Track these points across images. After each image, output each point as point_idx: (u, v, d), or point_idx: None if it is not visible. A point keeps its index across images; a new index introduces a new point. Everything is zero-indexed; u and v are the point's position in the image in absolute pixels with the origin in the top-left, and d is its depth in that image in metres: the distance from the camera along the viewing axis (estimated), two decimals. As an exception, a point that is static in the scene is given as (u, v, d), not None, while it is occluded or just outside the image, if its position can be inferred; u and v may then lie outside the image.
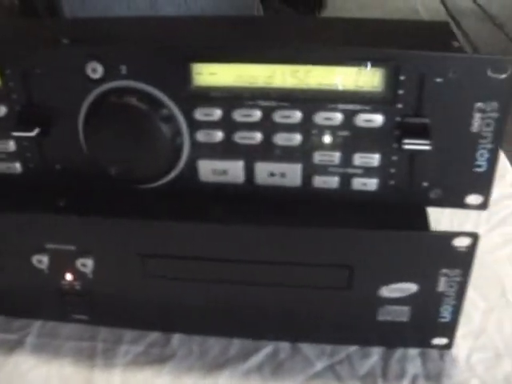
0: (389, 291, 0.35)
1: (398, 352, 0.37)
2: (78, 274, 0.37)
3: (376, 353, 0.37)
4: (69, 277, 0.38)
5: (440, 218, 0.47)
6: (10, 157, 0.36)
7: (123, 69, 0.32)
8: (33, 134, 0.34)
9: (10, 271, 0.38)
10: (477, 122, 0.31)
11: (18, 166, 0.37)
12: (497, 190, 0.51)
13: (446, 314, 0.35)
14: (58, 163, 0.36)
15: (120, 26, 0.37)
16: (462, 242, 0.33)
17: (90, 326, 0.40)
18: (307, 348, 0.37)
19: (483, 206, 0.34)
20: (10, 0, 1.24)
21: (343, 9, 1.57)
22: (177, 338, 0.39)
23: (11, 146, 0.36)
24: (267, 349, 0.38)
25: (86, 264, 0.36)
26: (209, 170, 0.34)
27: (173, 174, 0.35)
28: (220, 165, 0.34)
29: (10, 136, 0.35)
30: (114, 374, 0.37)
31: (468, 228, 0.47)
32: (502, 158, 0.56)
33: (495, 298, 0.41)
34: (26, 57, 0.33)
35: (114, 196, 0.36)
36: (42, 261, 0.37)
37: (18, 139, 0.36)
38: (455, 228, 0.48)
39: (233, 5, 1.11)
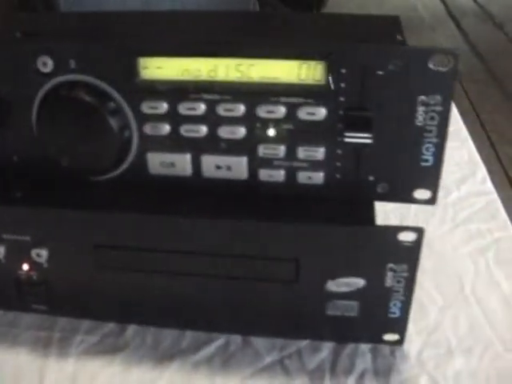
0: (336, 285, 0.35)
1: (349, 347, 0.37)
2: (34, 265, 0.38)
3: (327, 348, 0.37)
4: (25, 267, 0.38)
5: (405, 214, 0.47)
6: (-31, 148, 0.37)
7: (72, 63, 0.32)
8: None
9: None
10: (421, 116, 0.31)
11: (-23, 158, 0.37)
12: (465, 187, 0.52)
13: (395, 309, 0.35)
14: (15, 155, 0.37)
15: (76, 20, 0.38)
16: (407, 237, 0.33)
17: (50, 316, 0.40)
18: (259, 341, 0.38)
19: (432, 201, 0.34)
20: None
21: (342, 7, 1.57)
22: (132, 329, 0.39)
23: (-31, 137, 0.37)
24: (219, 341, 0.38)
25: (41, 254, 0.37)
26: (157, 162, 0.35)
27: (124, 167, 0.35)
28: (168, 157, 0.34)
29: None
30: (66, 364, 0.37)
31: (433, 224, 0.47)
32: (475, 154, 0.56)
33: (453, 294, 0.41)
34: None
35: (70, 188, 0.36)
36: (-2, 251, 0.37)
37: (-25, 131, 0.36)
38: (420, 225, 0.49)
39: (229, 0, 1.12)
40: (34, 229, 0.36)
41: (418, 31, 1.77)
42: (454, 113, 0.63)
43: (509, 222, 0.47)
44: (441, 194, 0.52)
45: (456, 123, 0.60)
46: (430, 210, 0.48)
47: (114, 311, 0.39)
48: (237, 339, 0.38)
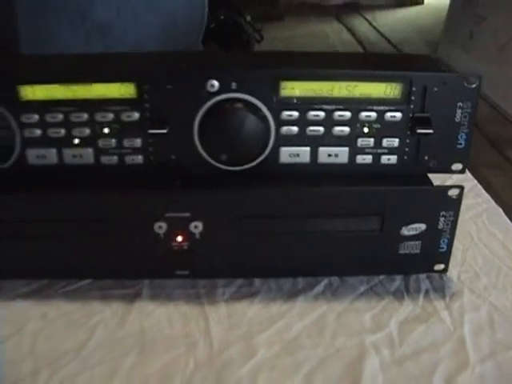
0: (407, 230, 0.51)
1: (413, 277, 0.54)
2: (189, 236, 0.51)
3: (398, 279, 0.54)
4: (179, 239, 0.51)
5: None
6: (135, 151, 0.50)
7: (233, 85, 0.47)
8: (165, 130, 0.48)
9: (133, 237, 0.51)
10: (458, 115, 0.50)
11: (140, 158, 0.50)
12: (455, 176, 0.72)
13: (443, 245, 0.53)
14: (173, 154, 0.50)
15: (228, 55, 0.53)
16: (454, 192, 0.51)
17: (188, 279, 0.53)
18: (351, 279, 0.53)
19: (463, 171, 0.52)
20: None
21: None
22: (257, 281, 0.53)
23: (137, 142, 0.50)
24: (324, 282, 0.53)
25: (198, 226, 0.50)
26: (287, 154, 0.50)
27: (261, 158, 0.50)
28: (294, 150, 0.50)
29: (137, 135, 0.49)
30: (220, 307, 0.50)
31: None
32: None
33: (468, 242, 0.60)
34: (159, 76, 0.48)
35: (213, 177, 0.50)
36: (161, 227, 0.50)
37: (144, 137, 0.49)
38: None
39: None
40: (192, 207, 0.50)
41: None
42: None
43: (490, 198, 0.67)
44: (439, 181, 0.71)
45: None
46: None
47: (242, 269, 0.53)
48: (336, 280, 0.53)
